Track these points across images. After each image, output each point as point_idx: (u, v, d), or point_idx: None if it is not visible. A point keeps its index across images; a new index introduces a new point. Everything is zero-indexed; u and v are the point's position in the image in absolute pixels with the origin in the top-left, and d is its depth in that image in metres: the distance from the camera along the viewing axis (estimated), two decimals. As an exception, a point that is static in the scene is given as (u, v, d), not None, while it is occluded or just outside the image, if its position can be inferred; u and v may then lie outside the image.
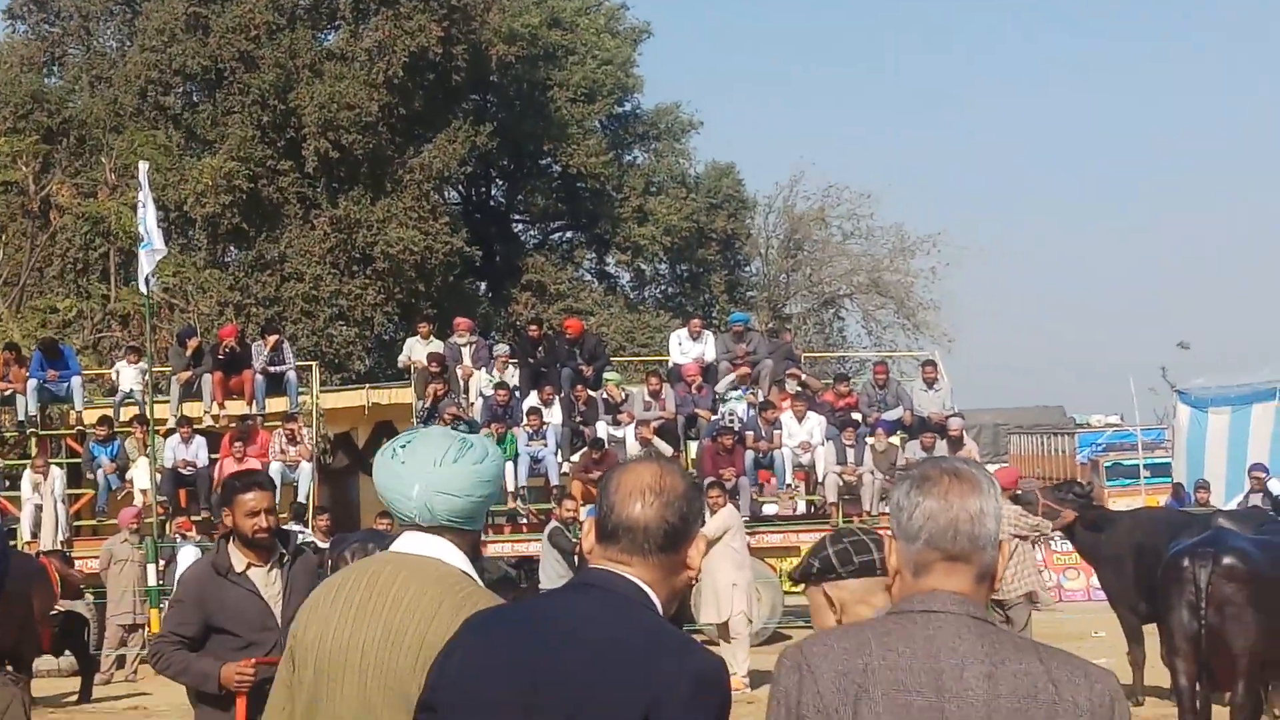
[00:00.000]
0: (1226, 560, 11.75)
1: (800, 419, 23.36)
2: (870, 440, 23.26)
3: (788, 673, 3.11)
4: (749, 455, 22.73)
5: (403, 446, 4.21)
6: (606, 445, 22.33)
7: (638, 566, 3.44)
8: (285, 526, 17.75)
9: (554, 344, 25.68)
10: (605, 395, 24.04)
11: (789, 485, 23.21)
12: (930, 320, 48.98)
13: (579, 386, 23.96)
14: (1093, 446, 40.97)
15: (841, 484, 22.87)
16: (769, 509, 23.11)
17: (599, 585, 3.44)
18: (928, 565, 3.13)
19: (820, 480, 23.19)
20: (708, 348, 25.23)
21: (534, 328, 26.37)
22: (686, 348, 25.31)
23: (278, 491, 7.63)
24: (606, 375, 24.74)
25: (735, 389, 24.50)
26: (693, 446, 23.80)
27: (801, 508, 23.51)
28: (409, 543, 4.08)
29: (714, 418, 23.72)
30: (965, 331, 78.55)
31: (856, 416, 24.56)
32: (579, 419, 23.62)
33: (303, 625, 4.07)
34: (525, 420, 23.22)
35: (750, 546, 19.30)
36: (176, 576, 13.26)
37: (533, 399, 23.74)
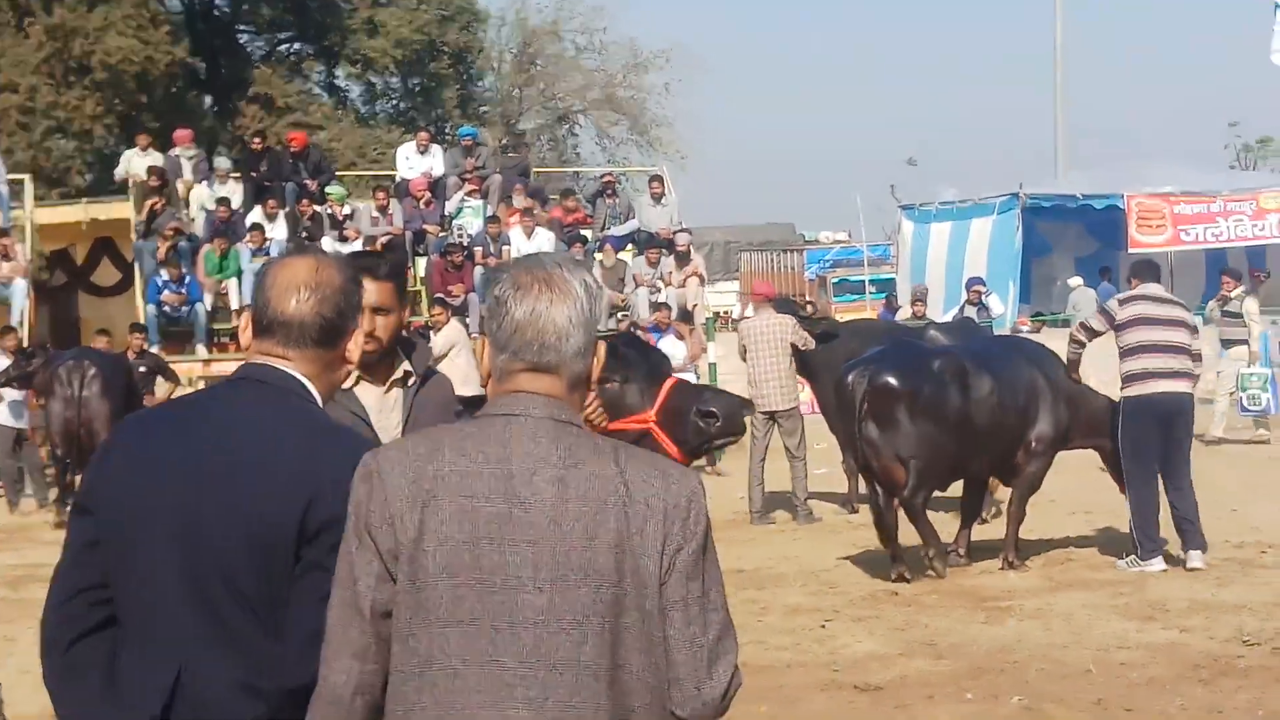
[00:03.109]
0: (883, 377, 12.32)
1: (529, 234, 23.27)
2: (599, 255, 23.28)
3: (359, 482, 2.99)
4: (478, 271, 22.60)
5: None
6: (333, 261, 21.96)
7: (296, 360, 3.42)
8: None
9: (278, 158, 25.14)
10: (330, 210, 23.64)
11: (518, 300, 23.11)
12: (664, 137, 49.15)
13: (304, 201, 23.54)
14: (821, 263, 41.74)
15: (571, 299, 22.86)
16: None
17: (256, 379, 3.40)
18: (514, 373, 3.04)
19: (550, 296, 23.12)
20: (436, 162, 24.96)
21: (257, 141, 25.80)
22: (414, 162, 25.01)
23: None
24: (330, 190, 24.29)
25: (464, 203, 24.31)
26: (421, 262, 23.59)
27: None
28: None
29: (442, 233, 23.52)
30: (699, 149, 78.80)
31: (586, 232, 24.60)
32: (304, 234, 23.21)
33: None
34: (248, 236, 22.74)
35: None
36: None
37: (256, 214, 23.26)
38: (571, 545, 2.92)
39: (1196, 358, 12.44)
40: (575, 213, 25.06)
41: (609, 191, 25.77)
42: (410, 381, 5.10)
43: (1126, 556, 12.45)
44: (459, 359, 17.22)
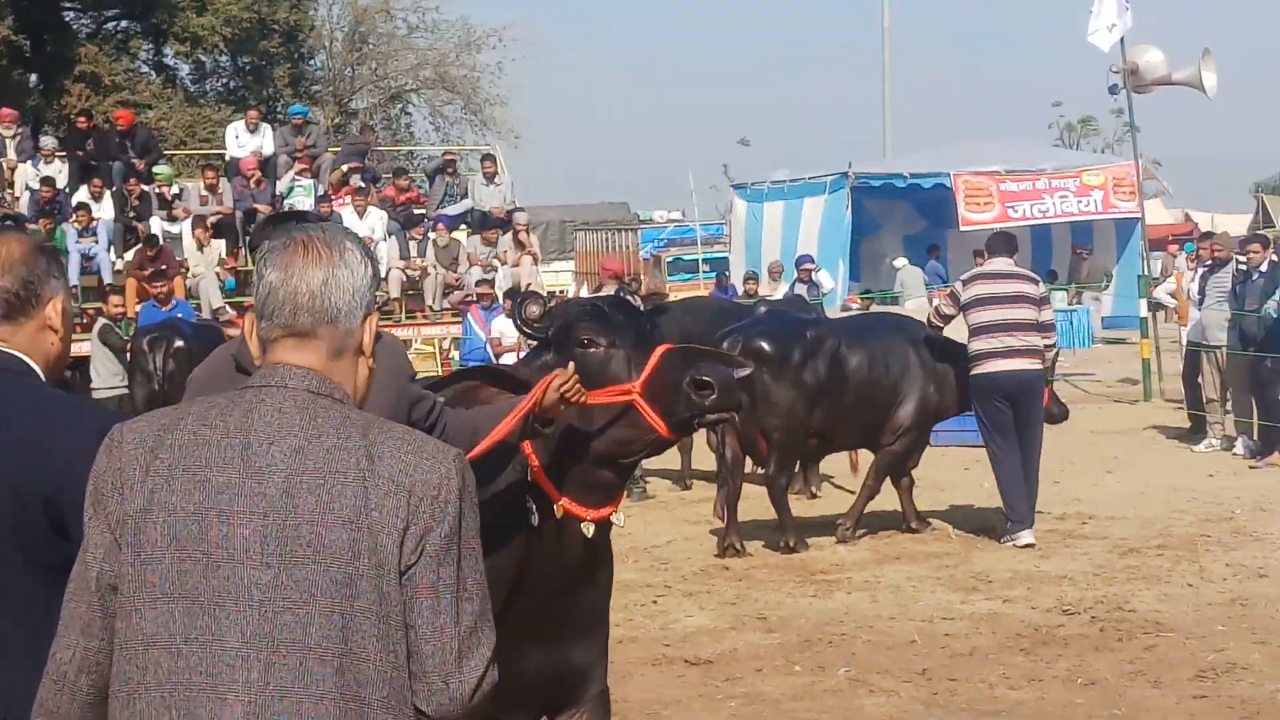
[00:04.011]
0: (756, 341, 12.40)
1: (361, 213, 23.12)
2: (433, 235, 23.20)
3: (101, 452, 2.88)
4: (309, 251, 22.37)
5: None
6: (161, 241, 21.66)
7: (6, 337, 3.43)
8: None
9: (105, 136, 24.71)
10: (158, 190, 23.30)
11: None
12: (498, 116, 49.06)
13: (131, 180, 23.16)
14: (655, 242, 41.83)
15: (405, 279, 22.81)
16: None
17: None
18: (274, 341, 2.93)
19: (384, 276, 23.05)
20: (266, 140, 24.68)
21: (83, 119, 25.32)
22: (244, 140, 24.71)
23: None
24: (158, 170, 23.92)
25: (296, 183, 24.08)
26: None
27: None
28: None
29: (272, 212, 23.25)
30: (533, 128, 78.70)
31: (420, 211, 24.50)
32: (132, 214, 22.86)
33: None
34: (74, 216, 22.33)
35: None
36: None
37: (82, 194, 22.84)
38: (302, 519, 2.78)
39: (1047, 329, 12.40)
40: (408, 192, 24.96)
41: (449, 169, 25.67)
42: None
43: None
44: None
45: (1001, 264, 12.63)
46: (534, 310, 5.00)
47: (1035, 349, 12.31)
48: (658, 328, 5.04)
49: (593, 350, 4.83)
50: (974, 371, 12.37)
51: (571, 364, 4.71)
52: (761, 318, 13.45)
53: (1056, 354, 13.37)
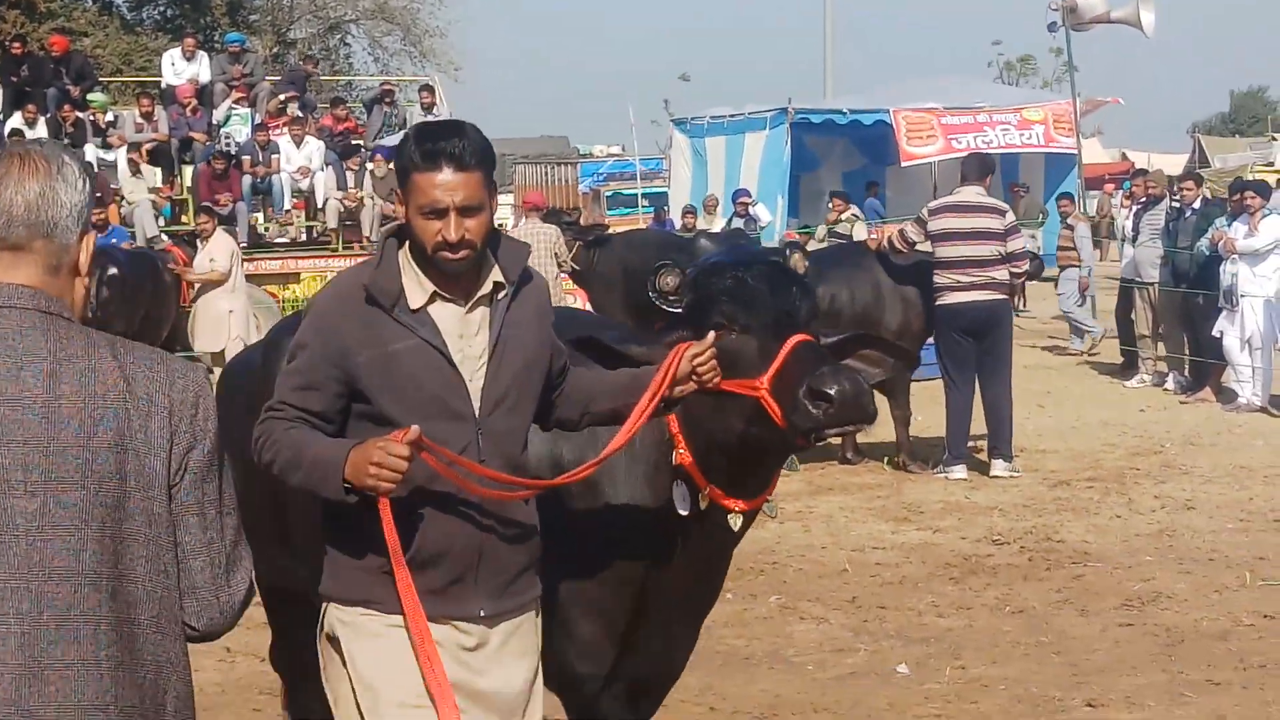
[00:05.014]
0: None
1: (298, 143, 22.96)
2: (370, 166, 23.07)
3: None
4: (246, 180, 22.27)
5: None
6: (97, 168, 21.45)
7: None
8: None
9: (39, 63, 24.40)
10: (93, 117, 23.08)
11: (287, 211, 22.93)
12: (437, 47, 48.66)
13: (66, 107, 22.91)
14: (595, 176, 41.76)
15: (342, 210, 22.68)
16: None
17: None
18: None
19: (320, 206, 22.95)
20: (202, 69, 24.44)
21: (17, 45, 24.97)
22: (180, 68, 24.46)
23: None
24: (93, 97, 23.67)
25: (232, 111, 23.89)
26: (188, 171, 23.15)
27: (302, 234, 23.29)
28: None
29: (209, 141, 23.10)
30: (473, 60, 78.29)
31: (358, 142, 24.36)
32: (66, 141, 22.58)
33: None
34: (8, 141, 22.08)
35: (248, 273, 19.09)
36: None
37: (16, 120, 22.57)
38: (67, 444, 2.70)
39: (1016, 259, 12.31)
40: (346, 122, 24.80)
41: (387, 100, 25.52)
42: (501, 294, 3.95)
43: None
44: (224, 267, 17.00)
45: (970, 193, 12.51)
46: (670, 281, 4.38)
47: (998, 283, 12.29)
48: (809, 301, 4.32)
49: (728, 334, 4.18)
50: (939, 301, 12.37)
51: (712, 333, 4.12)
52: (721, 251, 13.36)
53: (1039, 269, 13.51)
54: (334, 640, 3.95)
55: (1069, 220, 21.60)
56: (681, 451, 4.34)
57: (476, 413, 3.86)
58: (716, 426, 4.25)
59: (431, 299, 3.87)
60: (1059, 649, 8.09)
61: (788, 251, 4.72)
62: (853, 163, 33.11)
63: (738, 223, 21.49)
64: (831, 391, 3.92)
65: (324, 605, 3.98)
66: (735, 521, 4.40)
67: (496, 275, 3.93)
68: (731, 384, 4.09)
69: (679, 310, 4.37)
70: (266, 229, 22.87)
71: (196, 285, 17.42)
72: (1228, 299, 15.46)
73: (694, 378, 4.03)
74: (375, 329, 3.82)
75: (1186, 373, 17.08)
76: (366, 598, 3.87)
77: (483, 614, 3.93)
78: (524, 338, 3.95)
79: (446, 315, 3.88)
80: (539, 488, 4.07)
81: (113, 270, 16.30)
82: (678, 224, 22.38)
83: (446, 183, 3.76)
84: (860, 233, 22.03)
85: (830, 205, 23.37)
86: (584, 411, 4.20)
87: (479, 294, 3.91)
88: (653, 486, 4.49)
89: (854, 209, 23.19)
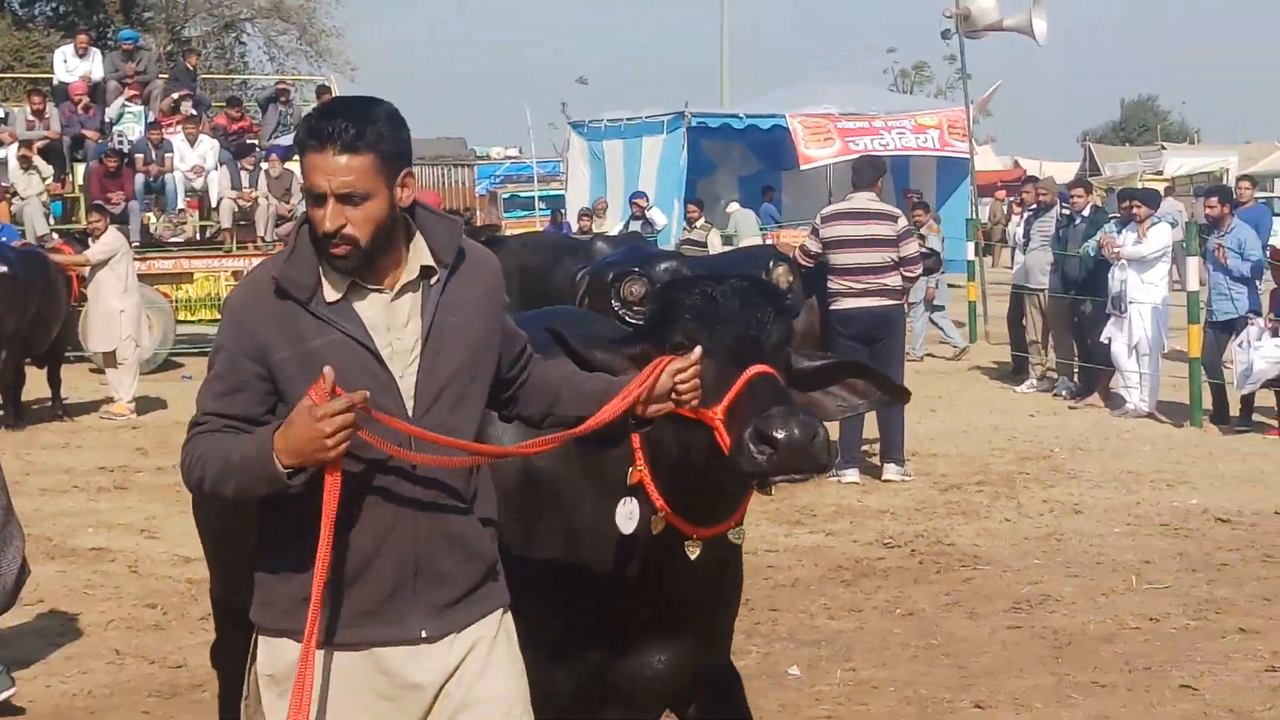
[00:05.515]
0: (607, 272, 12.31)
1: (192, 142, 22.78)
2: (265, 165, 22.90)
3: None
4: (139, 179, 22.05)
5: None
6: (-15, 166, 21.21)
7: None
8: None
9: (-74, 58, 24.10)
10: (-19, 115, 22.81)
11: (181, 210, 22.72)
12: (334, 47, 48.34)
13: (-46, 103, 22.62)
14: (492, 178, 41.68)
15: (237, 209, 22.51)
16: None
17: None
18: None
19: (214, 206, 22.76)
20: (95, 66, 24.16)
21: (-96, 39, 24.62)
22: (72, 65, 24.16)
23: None
24: (-17, 93, 23.41)
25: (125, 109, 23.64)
26: (80, 169, 22.88)
27: (196, 234, 23.08)
28: None
29: (102, 139, 22.86)
30: (369, 60, 77.85)
31: (253, 141, 24.19)
32: (-45, 138, 22.32)
33: None
34: (-107, 139, 21.77)
35: (140, 273, 18.90)
36: None
37: (-97, 116, 22.29)
38: None
39: (909, 263, 12.37)
40: (240, 121, 24.61)
41: (282, 99, 25.35)
42: (434, 278, 3.59)
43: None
44: (119, 267, 16.81)
45: (862, 200, 12.60)
46: (635, 290, 4.20)
47: (891, 289, 12.39)
48: (781, 326, 3.98)
49: (684, 350, 3.81)
50: (832, 307, 12.39)
51: (699, 350, 3.76)
52: (622, 251, 13.34)
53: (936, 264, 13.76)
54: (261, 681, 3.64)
55: (921, 230, 21.79)
56: (640, 468, 4.01)
57: (410, 412, 3.51)
58: (675, 450, 3.95)
59: (351, 289, 3.52)
60: (948, 651, 8.18)
61: (770, 264, 4.53)
62: (749, 167, 33.33)
63: (635, 225, 21.53)
64: (779, 436, 3.55)
65: (254, 634, 3.65)
66: (693, 550, 4.07)
67: (425, 258, 3.57)
68: (685, 411, 3.76)
69: (639, 322, 4.12)
70: (160, 228, 22.63)
71: (88, 284, 17.20)
72: (1116, 305, 15.69)
73: (673, 396, 3.70)
74: (292, 324, 3.47)
75: (1075, 379, 17.30)
76: (291, 627, 3.49)
77: (424, 634, 3.58)
78: (466, 324, 3.60)
79: (370, 306, 3.53)
80: (487, 455, 3.70)
81: (2, 269, 16.04)
82: (574, 227, 22.36)
83: (326, 166, 3.40)
84: (715, 242, 22.19)
85: (686, 214, 23.54)
86: (548, 412, 3.86)
87: (404, 280, 3.55)
88: (605, 497, 4.16)
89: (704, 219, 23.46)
